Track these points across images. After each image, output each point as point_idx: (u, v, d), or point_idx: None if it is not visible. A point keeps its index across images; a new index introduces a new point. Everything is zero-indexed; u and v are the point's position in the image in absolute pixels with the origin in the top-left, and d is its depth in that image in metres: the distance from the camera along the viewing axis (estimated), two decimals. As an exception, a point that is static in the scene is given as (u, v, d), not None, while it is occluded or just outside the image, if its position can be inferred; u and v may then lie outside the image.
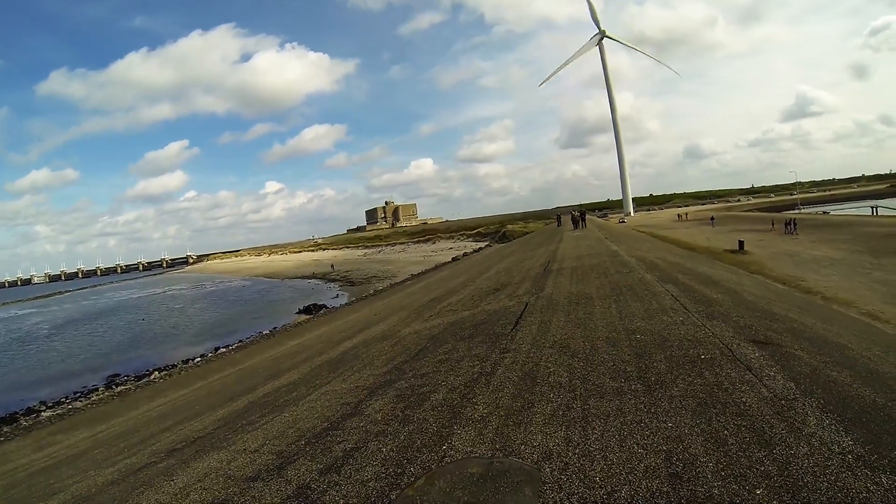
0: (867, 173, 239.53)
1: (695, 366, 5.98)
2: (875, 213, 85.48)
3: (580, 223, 49.51)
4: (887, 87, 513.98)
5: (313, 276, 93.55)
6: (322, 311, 42.84)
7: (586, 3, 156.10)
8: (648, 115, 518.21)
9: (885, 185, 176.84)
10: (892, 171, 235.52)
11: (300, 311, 46.18)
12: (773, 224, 59.25)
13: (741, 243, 40.43)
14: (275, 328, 37.41)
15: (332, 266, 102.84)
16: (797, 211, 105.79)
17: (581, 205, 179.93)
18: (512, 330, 8.82)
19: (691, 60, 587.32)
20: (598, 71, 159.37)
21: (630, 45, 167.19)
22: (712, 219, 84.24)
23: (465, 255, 71.40)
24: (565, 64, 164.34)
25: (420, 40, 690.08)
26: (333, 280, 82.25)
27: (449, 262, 63.16)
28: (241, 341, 33.80)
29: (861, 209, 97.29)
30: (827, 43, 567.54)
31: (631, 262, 17.06)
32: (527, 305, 11.00)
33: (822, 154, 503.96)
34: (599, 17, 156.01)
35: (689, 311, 8.84)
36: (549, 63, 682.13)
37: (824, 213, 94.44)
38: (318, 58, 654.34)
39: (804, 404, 4.78)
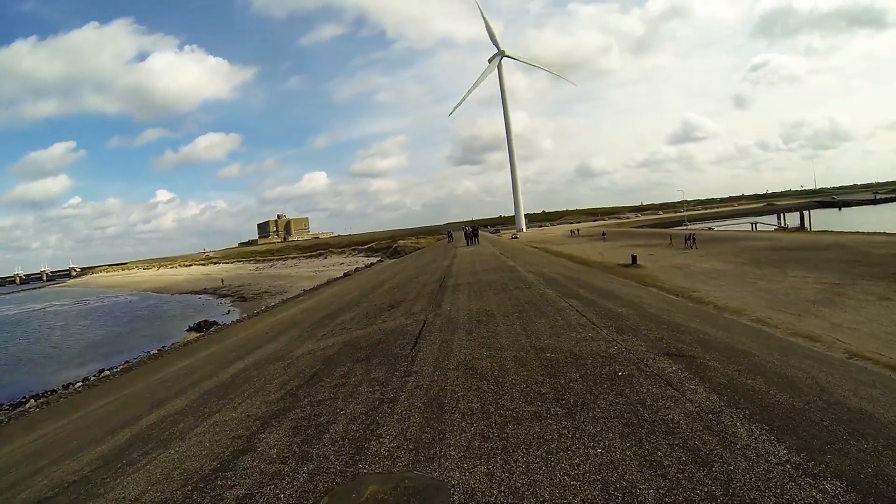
0: (746, 192, 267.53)
1: (613, 383, 5.75)
2: (755, 229, 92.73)
3: (473, 239, 49.61)
4: (764, 117, 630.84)
5: (204, 292, 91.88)
6: (213, 329, 41.56)
7: (483, 25, 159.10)
8: (542, 135, 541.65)
9: (762, 204, 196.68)
10: (768, 192, 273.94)
11: (190, 329, 45.42)
12: (671, 239, 61.93)
13: (634, 258, 41.68)
14: (163, 348, 35.98)
15: (222, 281, 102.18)
16: (684, 227, 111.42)
17: (473, 221, 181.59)
18: (412, 350, 8.37)
19: (586, 84, 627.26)
20: (494, 90, 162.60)
21: (529, 62, 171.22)
22: (604, 234, 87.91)
23: (357, 270, 71.71)
24: (472, 89, 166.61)
25: (320, 52, 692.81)
26: (225, 295, 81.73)
27: (341, 277, 63.36)
28: (127, 362, 32.20)
29: (742, 225, 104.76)
30: (712, 75, 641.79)
31: (529, 278, 17.05)
32: (425, 323, 10.60)
33: (704, 175, 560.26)
34: (498, 38, 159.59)
35: (597, 326, 8.72)
36: (446, 81, 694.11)
37: (709, 228, 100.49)
38: (217, 63, 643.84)
39: (731, 416, 4.72)
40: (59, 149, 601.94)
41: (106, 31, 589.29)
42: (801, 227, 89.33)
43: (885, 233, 55.02)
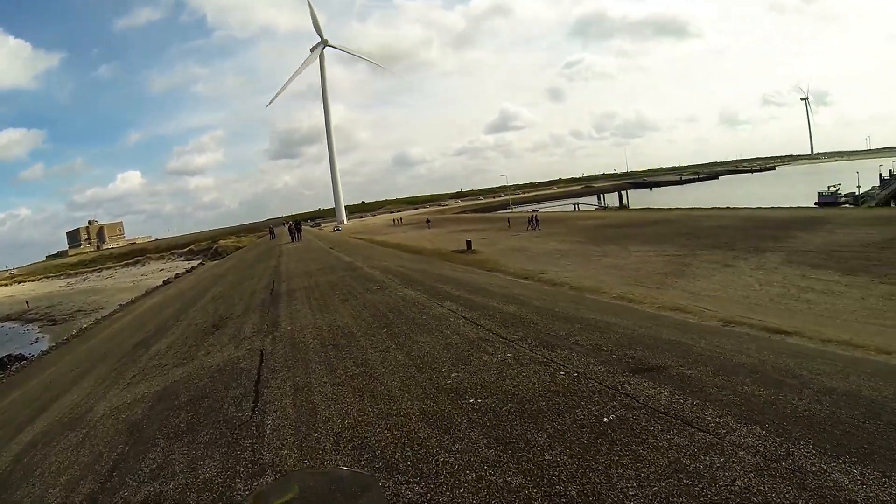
0: (563, 177, 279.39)
1: (613, 444, 3.54)
2: (577, 209, 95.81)
3: (296, 234, 47.30)
4: (577, 109, 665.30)
5: (7, 318, 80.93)
6: (14, 367, 33.98)
7: (308, 13, 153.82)
8: (360, 126, 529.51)
9: (579, 186, 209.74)
10: (584, 175, 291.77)
11: None
12: (509, 222, 61.89)
13: (469, 243, 40.32)
14: None
15: (27, 303, 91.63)
16: (509, 210, 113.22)
17: (294, 215, 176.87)
18: (253, 411, 5.42)
19: (406, 76, 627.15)
20: (312, 82, 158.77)
21: (352, 52, 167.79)
22: (428, 221, 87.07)
23: (177, 276, 66.73)
24: (291, 79, 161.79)
25: (135, 37, 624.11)
26: (32, 320, 72.66)
27: (161, 285, 58.09)
28: None
29: (565, 206, 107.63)
30: (530, 70, 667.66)
31: (375, 275, 14.90)
32: (263, 355, 7.79)
33: (522, 161, 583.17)
34: (322, 24, 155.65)
35: (508, 340, 6.57)
36: (266, 72, 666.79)
37: (533, 211, 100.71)
38: (18, 45, 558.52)
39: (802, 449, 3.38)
40: None
41: None
42: (621, 206, 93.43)
43: (701, 208, 58.20)
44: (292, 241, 45.03)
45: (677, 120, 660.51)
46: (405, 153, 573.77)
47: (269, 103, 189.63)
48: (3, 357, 40.31)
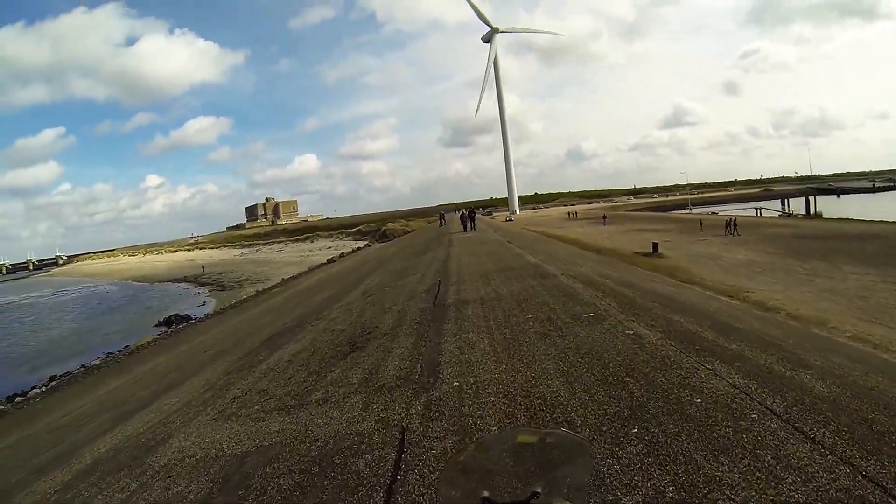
0: (738, 178, 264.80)
1: None
2: (759, 215, 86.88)
3: (469, 223, 42.93)
4: (754, 104, 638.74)
5: (185, 280, 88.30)
6: (181, 326, 37.40)
7: (469, 6, 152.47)
8: (532, 117, 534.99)
9: (758, 189, 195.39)
10: (762, 177, 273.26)
11: (159, 324, 42.24)
12: (701, 224, 55.24)
13: (655, 245, 35.94)
14: (109, 355, 29.74)
15: (202, 268, 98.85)
16: (688, 211, 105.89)
17: (464, 203, 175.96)
18: None
19: (576, 68, 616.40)
20: (482, 73, 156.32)
21: (524, 29, 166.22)
22: (604, 217, 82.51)
23: (341, 255, 67.10)
24: (486, 80, 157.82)
25: (310, 34, 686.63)
26: (204, 284, 77.72)
27: (325, 264, 58.20)
28: (61, 377, 26.13)
29: (745, 210, 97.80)
30: (702, 61, 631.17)
31: (576, 288, 10.97)
32: (402, 442, 4.29)
33: (695, 160, 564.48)
34: (489, 16, 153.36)
35: None
36: (436, 63, 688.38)
37: (713, 213, 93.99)
38: (207, 46, 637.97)
39: None
40: (48, 135, 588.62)
41: (94, 16, 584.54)
42: (808, 214, 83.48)
43: None
44: (464, 230, 41.27)
45: (865, 117, 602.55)
46: (578, 146, 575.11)
47: (476, 112, 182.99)
48: (172, 315, 45.11)
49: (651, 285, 13.99)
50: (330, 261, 60.82)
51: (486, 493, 2.21)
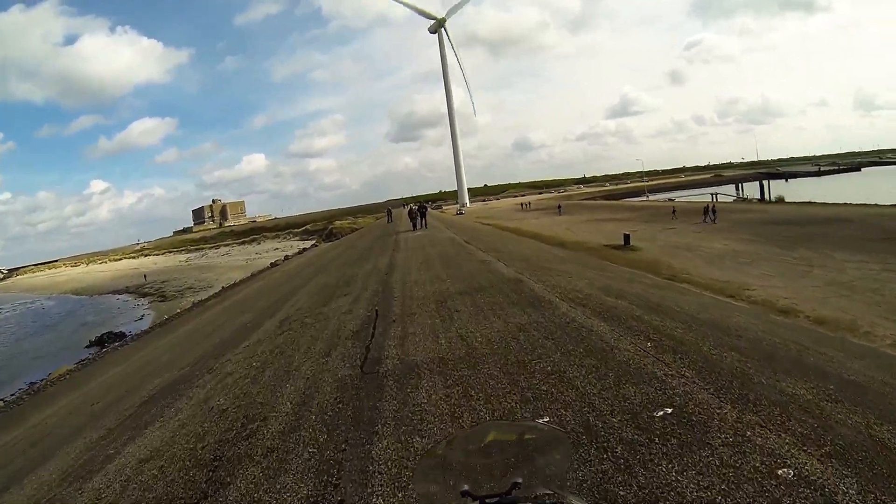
0: (686, 165, 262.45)
1: None
2: (715, 200, 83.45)
3: (420, 220, 36.58)
4: (699, 93, 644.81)
5: (126, 291, 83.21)
6: (108, 348, 33.53)
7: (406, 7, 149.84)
8: (480, 110, 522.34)
9: (708, 175, 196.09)
10: (710, 163, 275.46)
11: (91, 344, 39.47)
12: (673, 212, 51.39)
13: (627, 237, 32.83)
14: (34, 385, 26.23)
15: (144, 277, 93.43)
16: (645, 198, 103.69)
17: (416, 197, 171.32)
18: None
19: (524, 60, 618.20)
20: (431, 66, 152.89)
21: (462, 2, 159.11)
22: (559, 207, 79.17)
23: (285, 258, 63.01)
24: (445, 71, 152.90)
25: (256, 31, 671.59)
26: (146, 294, 73.36)
27: (266, 268, 54.41)
28: None
29: (700, 196, 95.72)
30: (648, 52, 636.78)
31: (597, 328, 6.85)
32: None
33: (642, 148, 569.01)
34: (431, 10, 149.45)
35: None
36: (383, 57, 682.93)
37: (669, 199, 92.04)
38: (151, 45, 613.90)
39: None
40: None
41: (32, 14, 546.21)
42: (763, 198, 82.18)
43: (875, 205, 46.78)
44: (413, 228, 35.45)
45: (807, 105, 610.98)
46: (526, 138, 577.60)
47: (475, 115, 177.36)
48: (105, 334, 41.73)
49: (680, 300, 9.98)
50: (273, 265, 57.48)
51: (465, 487, 1.90)
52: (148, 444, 6.12)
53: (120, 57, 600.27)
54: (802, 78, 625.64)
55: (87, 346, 38.98)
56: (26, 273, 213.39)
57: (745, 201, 79.53)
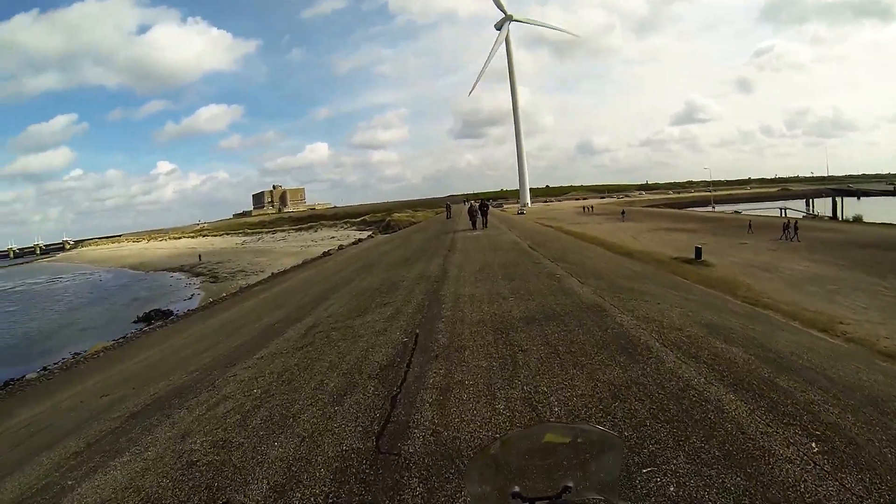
0: (752, 176, 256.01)
1: None
2: (784, 215, 78.63)
3: (480, 219, 33.26)
4: (767, 102, 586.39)
5: (181, 269, 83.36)
6: (151, 326, 33.96)
7: None
8: (544, 110, 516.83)
9: (775, 188, 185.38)
10: (777, 176, 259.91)
11: (138, 320, 39.58)
12: (749, 227, 46.80)
13: (698, 251, 29.79)
14: (77, 355, 27.06)
15: (199, 257, 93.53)
16: (711, 209, 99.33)
17: (476, 194, 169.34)
18: None
19: (588, 62, 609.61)
20: (495, 64, 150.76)
21: (537, 22, 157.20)
22: (623, 213, 75.74)
23: (339, 248, 62.20)
24: (488, 61, 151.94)
25: (322, 25, 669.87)
26: (199, 274, 73.10)
27: (319, 257, 53.49)
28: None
29: (768, 210, 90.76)
30: (715, 58, 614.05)
31: (736, 410, 4.42)
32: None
33: (707, 157, 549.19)
34: (504, 2, 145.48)
35: None
36: (448, 54, 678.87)
37: (735, 212, 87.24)
38: (220, 35, 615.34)
39: None
40: (61, 121, 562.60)
41: (107, 5, 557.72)
42: (835, 216, 78.43)
43: None
44: (472, 228, 32.49)
45: (879, 119, 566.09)
46: (589, 140, 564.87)
47: (471, 91, 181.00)
48: (152, 310, 41.95)
49: (795, 345, 7.51)
50: (325, 254, 56.18)
51: (516, 489, 1.83)
52: (100, 487, 4.90)
53: (190, 46, 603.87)
54: (876, 90, 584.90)
55: (133, 322, 39.10)
56: (90, 245, 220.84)
57: (815, 218, 74.25)
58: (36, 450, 7.55)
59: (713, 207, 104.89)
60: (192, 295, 53.43)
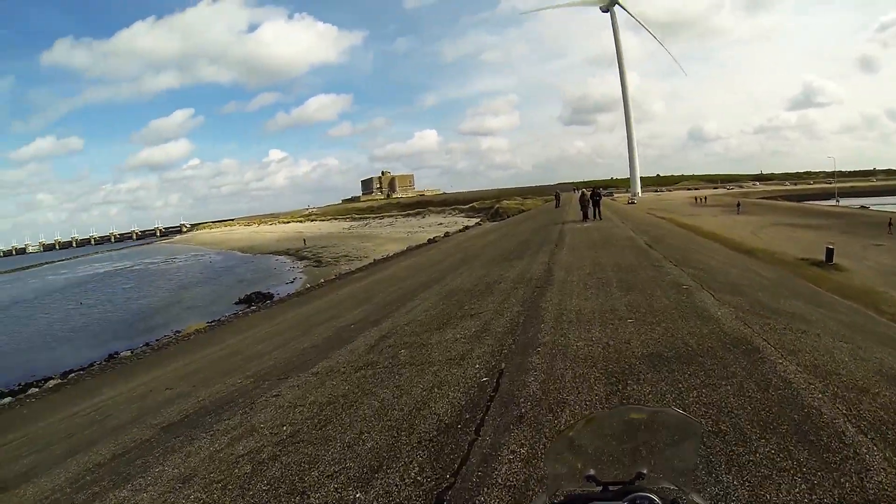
0: (878, 167, 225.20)
1: None
2: None
3: (591, 209, 29.73)
4: (895, 83, 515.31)
5: (287, 253, 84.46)
6: (252, 308, 33.53)
7: None
8: (653, 97, 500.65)
9: None
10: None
11: (240, 301, 40.45)
12: (890, 225, 40.78)
13: (830, 252, 25.88)
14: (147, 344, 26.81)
15: (304, 241, 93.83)
16: (835, 203, 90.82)
17: (586, 182, 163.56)
18: None
19: (696, 43, 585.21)
20: (602, 50, 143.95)
21: (640, 21, 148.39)
22: (738, 205, 70.78)
23: (446, 234, 60.42)
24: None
25: (426, 13, 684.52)
26: (304, 258, 73.11)
27: (424, 244, 52.07)
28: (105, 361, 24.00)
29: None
30: (834, 34, 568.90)
31: None
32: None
33: (827, 144, 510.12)
34: None
35: None
36: (553, 39, 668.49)
37: (863, 207, 78.34)
38: (326, 28, 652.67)
39: None
40: (179, 116, 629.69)
41: (218, 6, 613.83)
42: None
43: None
44: (583, 219, 29.33)
45: None
46: (700, 128, 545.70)
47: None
48: (253, 293, 42.74)
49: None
50: (431, 241, 54.61)
51: (591, 472, 1.72)
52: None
53: (298, 40, 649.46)
54: None
55: (235, 303, 39.94)
56: (205, 229, 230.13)
57: None
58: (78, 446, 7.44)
59: (837, 201, 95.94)
60: (293, 279, 53.77)
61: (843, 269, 24.29)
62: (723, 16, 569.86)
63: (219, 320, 28.94)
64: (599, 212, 29.52)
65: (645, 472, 1.54)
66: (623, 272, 11.15)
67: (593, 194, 31.19)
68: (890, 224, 40.42)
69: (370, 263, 44.38)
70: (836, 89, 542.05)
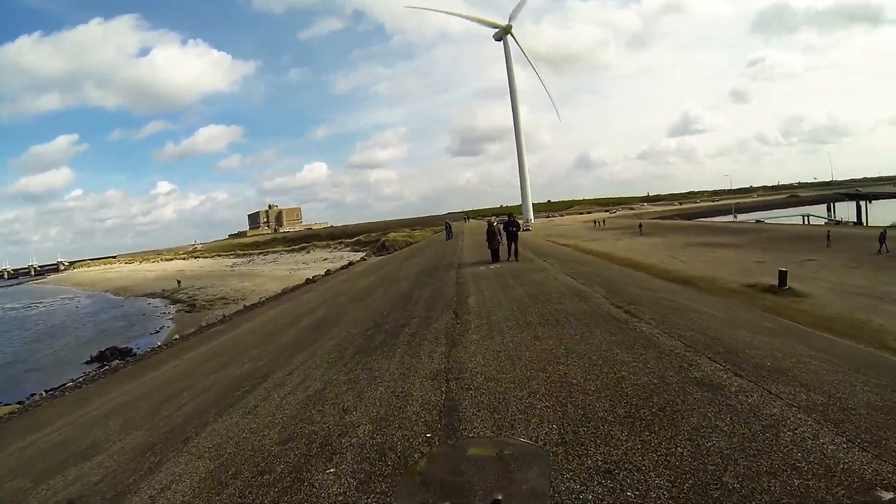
0: (753, 185, 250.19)
1: None
2: (807, 222, 77.49)
3: (510, 243, 21.57)
4: (762, 111, 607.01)
5: (161, 294, 79.01)
6: (104, 368, 30.01)
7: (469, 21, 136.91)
8: (542, 128, 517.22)
9: (783, 195, 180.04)
10: (779, 183, 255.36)
11: (92, 360, 35.91)
12: (828, 238, 39.10)
13: (783, 276, 22.37)
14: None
15: (178, 282, 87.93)
16: (732, 219, 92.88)
17: (475, 210, 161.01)
18: None
19: (584, 77, 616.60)
20: (491, 82, 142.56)
21: (528, 58, 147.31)
22: (640, 226, 68.98)
23: (326, 273, 57.35)
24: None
25: (320, 45, 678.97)
26: (177, 301, 67.99)
27: (301, 285, 49.19)
28: None
29: (792, 217, 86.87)
30: (709, 70, 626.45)
31: None
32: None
33: (704, 167, 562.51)
34: (496, 19, 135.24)
35: None
36: (443, 72, 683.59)
37: (758, 221, 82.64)
38: (220, 57, 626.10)
39: None
40: (62, 142, 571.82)
41: (110, 27, 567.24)
42: (859, 222, 74.15)
43: None
44: (493, 260, 20.81)
45: (877, 122, 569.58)
46: (587, 155, 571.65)
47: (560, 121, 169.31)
48: (108, 349, 38.05)
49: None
50: (309, 281, 51.32)
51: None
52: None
53: (190, 68, 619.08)
54: (871, 94, 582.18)
55: (86, 362, 35.57)
56: (83, 267, 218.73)
57: (839, 224, 69.93)
58: None
59: (735, 216, 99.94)
60: (159, 328, 49.29)
61: (800, 293, 21.29)
62: (609, 52, 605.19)
63: (43, 394, 24.49)
64: (517, 250, 21.65)
65: (500, 498, 1.68)
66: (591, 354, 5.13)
67: (508, 224, 22.50)
68: (828, 237, 39.47)
69: (239, 310, 41.06)
70: (712, 117, 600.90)
